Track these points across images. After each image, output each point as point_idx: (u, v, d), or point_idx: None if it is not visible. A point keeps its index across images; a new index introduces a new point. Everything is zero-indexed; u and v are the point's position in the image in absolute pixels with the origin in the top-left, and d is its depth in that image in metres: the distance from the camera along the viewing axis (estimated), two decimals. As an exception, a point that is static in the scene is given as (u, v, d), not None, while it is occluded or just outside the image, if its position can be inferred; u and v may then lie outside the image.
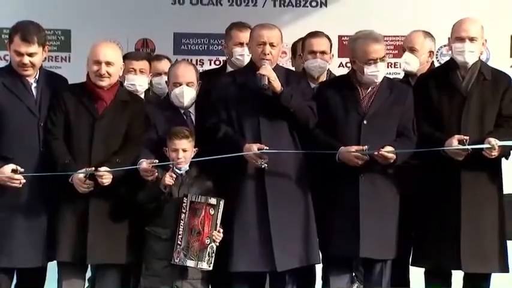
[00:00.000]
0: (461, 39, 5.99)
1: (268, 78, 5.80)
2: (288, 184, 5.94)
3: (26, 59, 5.86)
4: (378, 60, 5.91)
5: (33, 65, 5.88)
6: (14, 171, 5.69)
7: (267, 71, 5.82)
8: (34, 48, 5.84)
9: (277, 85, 5.82)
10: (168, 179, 5.71)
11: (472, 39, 5.98)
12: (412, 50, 6.50)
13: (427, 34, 6.58)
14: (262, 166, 5.79)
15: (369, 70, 5.92)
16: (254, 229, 5.87)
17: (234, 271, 5.86)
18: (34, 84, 5.95)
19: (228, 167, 5.82)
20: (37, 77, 5.96)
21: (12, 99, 5.87)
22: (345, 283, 5.99)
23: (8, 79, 5.92)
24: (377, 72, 5.91)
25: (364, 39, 5.96)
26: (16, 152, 5.82)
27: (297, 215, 5.94)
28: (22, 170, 5.69)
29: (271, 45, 5.91)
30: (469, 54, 5.99)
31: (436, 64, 6.89)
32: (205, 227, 5.71)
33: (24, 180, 5.70)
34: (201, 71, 6.98)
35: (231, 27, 6.70)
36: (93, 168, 5.69)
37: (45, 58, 6.06)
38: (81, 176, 5.69)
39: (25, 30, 5.85)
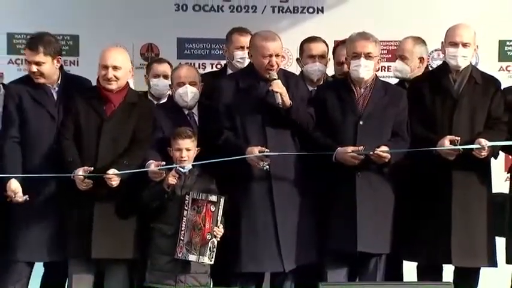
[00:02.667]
0: (455, 44, 6.00)
1: (280, 94, 5.80)
2: (292, 186, 5.95)
3: (34, 68, 5.92)
4: (362, 55, 5.90)
5: (41, 73, 5.93)
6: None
7: (279, 87, 5.82)
8: (39, 57, 5.89)
9: (287, 100, 5.83)
10: (171, 179, 5.73)
11: (465, 45, 5.99)
12: (402, 58, 6.48)
13: (418, 40, 6.55)
14: (264, 168, 5.78)
15: (352, 64, 5.94)
16: (262, 230, 5.87)
17: (244, 271, 5.87)
18: (56, 89, 6.00)
19: (235, 170, 5.81)
20: (59, 81, 6.00)
21: (34, 104, 5.95)
22: (342, 277, 5.98)
23: (32, 86, 5.98)
24: (358, 67, 5.91)
25: (354, 36, 6.01)
26: (37, 153, 5.90)
27: (301, 216, 5.95)
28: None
29: (277, 56, 5.92)
30: (462, 59, 6.00)
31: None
32: (206, 223, 5.71)
33: (26, 198, 5.78)
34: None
35: (231, 32, 6.73)
36: (92, 168, 5.72)
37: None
38: (81, 176, 5.72)
39: (32, 40, 5.94)
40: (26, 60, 5.97)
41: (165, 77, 6.57)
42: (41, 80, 5.94)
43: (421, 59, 6.53)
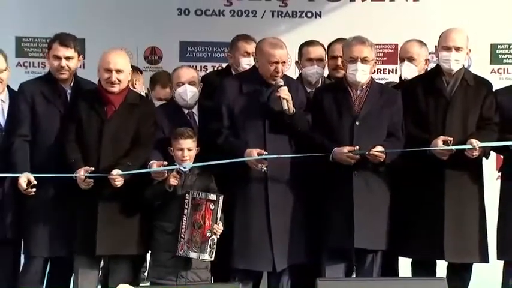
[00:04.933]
0: (448, 49, 6.02)
1: (286, 101, 5.82)
2: (288, 188, 5.97)
3: (64, 62, 5.98)
4: (358, 60, 5.91)
5: (69, 69, 5.99)
6: (29, 182, 5.77)
7: (286, 94, 5.83)
8: (71, 52, 5.99)
9: (291, 106, 5.84)
10: (173, 180, 5.75)
11: (458, 49, 6.02)
12: (411, 60, 6.48)
13: (422, 43, 6.58)
14: (262, 170, 5.80)
15: (349, 68, 5.96)
16: (255, 230, 5.89)
17: (236, 268, 5.90)
18: (69, 91, 6.05)
19: (232, 169, 5.83)
20: (72, 84, 6.05)
21: (47, 106, 5.99)
22: (339, 273, 5.99)
23: (46, 87, 6.03)
24: (355, 71, 5.92)
25: (350, 40, 6.03)
26: (48, 152, 5.93)
27: (295, 217, 5.97)
28: (35, 182, 5.77)
29: (283, 63, 5.94)
30: (455, 63, 6.02)
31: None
32: (206, 221, 5.71)
33: (35, 190, 5.79)
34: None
35: (237, 38, 6.72)
36: (93, 169, 5.74)
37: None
38: (82, 176, 5.74)
39: (63, 37, 6.02)
40: (55, 56, 5.98)
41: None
42: (66, 75, 6.00)
43: (427, 61, 6.59)
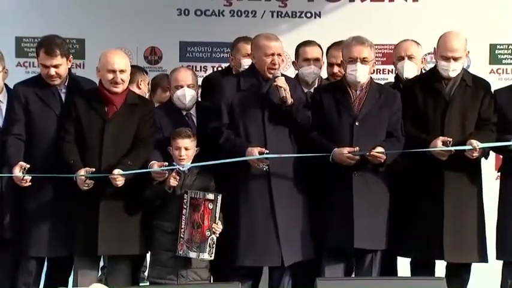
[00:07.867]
0: (447, 59, 5.98)
1: (284, 90, 5.83)
2: (291, 184, 5.97)
3: (52, 71, 5.94)
4: (358, 60, 5.92)
5: (59, 75, 5.97)
6: (23, 169, 5.76)
7: (283, 83, 5.85)
8: (58, 60, 5.93)
9: (289, 96, 5.85)
10: (173, 181, 5.76)
11: (456, 59, 5.98)
12: (411, 58, 6.48)
13: (417, 43, 6.58)
14: (264, 169, 5.81)
15: (349, 69, 5.97)
16: (262, 226, 5.89)
17: (242, 265, 5.89)
18: (63, 90, 6.04)
19: (234, 168, 5.83)
20: (66, 83, 6.04)
21: (42, 107, 5.98)
22: (339, 273, 6.00)
23: (39, 88, 6.02)
24: (355, 72, 5.93)
25: (350, 41, 6.03)
26: (43, 152, 5.92)
27: (299, 213, 5.98)
28: (27, 166, 5.75)
29: (279, 55, 5.96)
30: (453, 72, 6.01)
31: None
32: (205, 220, 5.73)
33: (30, 177, 5.76)
34: (204, 76, 7.05)
35: (237, 40, 6.75)
36: (94, 169, 5.74)
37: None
38: (82, 176, 5.74)
39: (48, 45, 5.96)
40: (42, 64, 5.96)
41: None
42: (57, 82, 5.98)
43: (422, 60, 6.61)
